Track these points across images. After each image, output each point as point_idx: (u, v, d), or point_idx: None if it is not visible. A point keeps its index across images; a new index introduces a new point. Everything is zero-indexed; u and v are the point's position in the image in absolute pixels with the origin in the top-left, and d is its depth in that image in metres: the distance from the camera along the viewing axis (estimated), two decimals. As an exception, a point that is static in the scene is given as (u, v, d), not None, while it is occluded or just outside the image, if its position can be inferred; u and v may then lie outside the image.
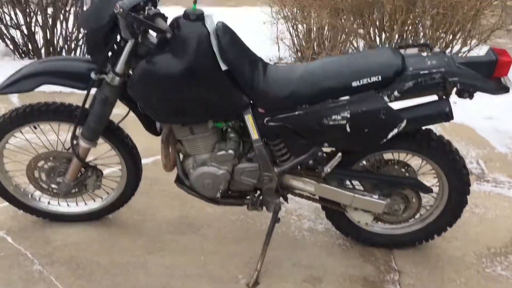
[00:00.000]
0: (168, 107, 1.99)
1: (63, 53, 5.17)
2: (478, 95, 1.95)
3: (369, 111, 1.91)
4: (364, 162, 2.23)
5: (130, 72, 2.04)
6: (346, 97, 1.95)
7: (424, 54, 1.98)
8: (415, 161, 2.25)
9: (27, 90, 2.09)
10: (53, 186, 2.38)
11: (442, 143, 2.09)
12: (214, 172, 2.15)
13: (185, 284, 2.17)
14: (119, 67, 2.00)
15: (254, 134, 2.06)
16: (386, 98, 1.90)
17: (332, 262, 2.32)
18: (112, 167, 2.50)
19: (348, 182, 2.25)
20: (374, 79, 1.90)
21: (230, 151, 2.12)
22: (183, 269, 2.26)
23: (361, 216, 2.24)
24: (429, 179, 2.27)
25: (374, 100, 1.91)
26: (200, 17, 1.93)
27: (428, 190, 2.18)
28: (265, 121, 2.03)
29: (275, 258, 2.31)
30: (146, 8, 1.84)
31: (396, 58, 1.93)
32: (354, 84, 1.92)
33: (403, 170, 2.23)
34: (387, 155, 2.24)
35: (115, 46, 2.01)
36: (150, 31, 1.95)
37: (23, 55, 5.13)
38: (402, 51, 2.04)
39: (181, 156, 2.26)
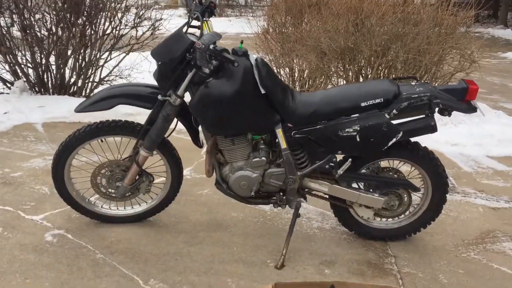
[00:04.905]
0: (220, 121, 2.55)
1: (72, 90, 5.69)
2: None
3: (374, 125, 2.52)
4: (365, 170, 2.83)
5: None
6: (356, 115, 2.57)
7: (413, 83, 2.64)
8: (404, 168, 2.87)
9: (106, 109, 2.62)
10: (111, 190, 2.87)
11: (427, 152, 2.72)
12: (249, 175, 2.70)
13: (226, 267, 2.66)
14: (181, 90, 2.56)
15: (283, 144, 2.63)
16: (386, 115, 2.52)
17: (341, 251, 2.86)
18: (157, 175, 3.01)
19: (354, 185, 2.83)
20: (377, 100, 2.53)
21: (263, 158, 2.68)
22: (221, 257, 2.75)
23: (364, 211, 2.82)
24: (416, 183, 2.87)
25: (377, 117, 2.53)
26: (245, 53, 2.53)
27: (416, 189, 2.78)
28: (292, 134, 2.61)
29: (294, 249, 2.84)
30: (211, 46, 2.41)
31: (393, 85, 2.58)
32: (362, 104, 2.54)
33: (396, 175, 2.84)
34: (383, 164, 2.85)
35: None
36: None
37: (37, 91, 5.59)
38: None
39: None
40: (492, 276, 2.67)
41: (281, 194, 2.80)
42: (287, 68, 6.28)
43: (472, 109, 2.57)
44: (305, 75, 6.08)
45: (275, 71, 6.21)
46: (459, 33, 5.26)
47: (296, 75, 6.19)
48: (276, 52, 6.18)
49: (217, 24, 7.76)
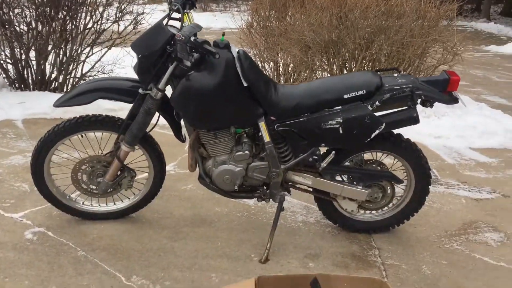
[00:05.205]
0: (202, 114, 2.52)
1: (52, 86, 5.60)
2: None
3: (357, 117, 2.51)
4: (349, 163, 2.82)
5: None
6: (339, 107, 2.55)
7: (395, 75, 2.63)
8: (388, 161, 2.86)
9: (86, 103, 2.57)
10: (92, 186, 2.82)
11: (410, 144, 2.72)
12: (232, 169, 2.67)
13: (209, 262, 2.63)
14: (162, 84, 2.52)
15: (266, 137, 2.61)
16: (369, 107, 2.52)
17: (325, 244, 2.85)
18: (140, 171, 2.97)
19: (338, 178, 2.82)
20: (360, 92, 2.52)
21: (246, 152, 2.66)
22: (205, 252, 2.72)
23: (348, 204, 2.81)
24: (399, 175, 2.87)
25: (360, 108, 2.52)
26: (227, 46, 2.50)
27: (399, 181, 2.78)
28: (275, 127, 2.59)
29: (278, 242, 2.82)
30: (192, 38, 2.38)
31: (376, 77, 2.56)
32: (345, 96, 2.53)
33: (379, 167, 2.84)
34: (367, 156, 2.85)
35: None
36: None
37: (17, 88, 5.50)
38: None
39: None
40: (474, 266, 2.69)
41: (265, 188, 2.78)
42: (271, 62, 6.26)
43: (453, 100, 2.57)
44: (289, 69, 6.07)
45: (260, 65, 6.19)
46: (442, 26, 5.29)
47: (281, 69, 6.17)
48: (261, 46, 6.15)
49: (202, 18, 7.70)
